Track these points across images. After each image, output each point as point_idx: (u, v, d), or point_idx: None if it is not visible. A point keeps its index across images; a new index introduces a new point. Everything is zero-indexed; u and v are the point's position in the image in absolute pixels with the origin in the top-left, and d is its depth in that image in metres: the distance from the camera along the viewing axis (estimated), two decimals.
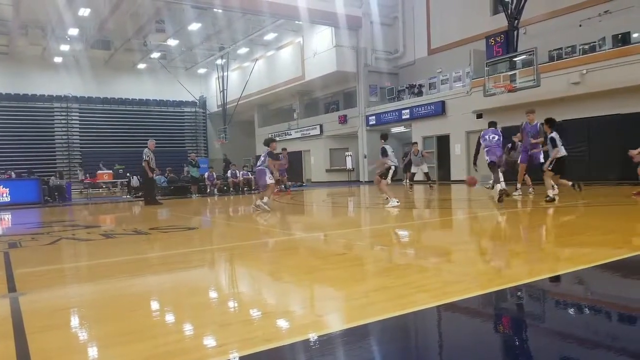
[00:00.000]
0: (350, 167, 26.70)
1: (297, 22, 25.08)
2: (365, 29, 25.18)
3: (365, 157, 25.73)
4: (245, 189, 20.64)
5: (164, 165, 21.67)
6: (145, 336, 2.47)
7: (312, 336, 2.31)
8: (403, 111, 23.36)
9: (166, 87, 33.03)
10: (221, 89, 32.43)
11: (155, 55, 29.88)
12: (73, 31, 24.45)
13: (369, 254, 5.00)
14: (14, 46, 26.50)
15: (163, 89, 33.17)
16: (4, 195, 15.94)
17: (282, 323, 2.61)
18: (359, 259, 4.75)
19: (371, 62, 25.43)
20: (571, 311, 2.88)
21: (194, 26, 25.24)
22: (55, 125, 30.39)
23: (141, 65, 31.86)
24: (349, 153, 26.69)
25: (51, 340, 2.49)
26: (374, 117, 25.00)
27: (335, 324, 2.59)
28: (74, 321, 2.91)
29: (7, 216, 12.39)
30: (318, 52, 26.01)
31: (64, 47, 26.81)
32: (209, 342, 2.37)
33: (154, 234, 7.05)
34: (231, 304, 3.20)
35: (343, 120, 26.68)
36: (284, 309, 2.99)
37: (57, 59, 28.44)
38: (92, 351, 2.33)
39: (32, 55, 27.59)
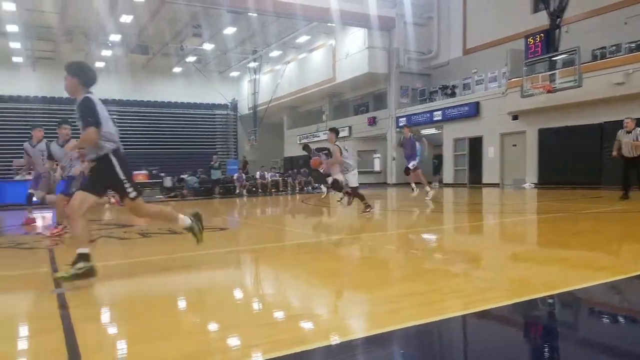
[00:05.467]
0: (378, 170, 26.52)
1: (329, 24, 25.16)
2: (399, 30, 25.01)
3: (394, 159, 25.53)
4: (274, 190, 20.87)
5: (195, 167, 22.19)
6: (177, 334, 2.55)
7: (338, 341, 2.31)
8: (435, 112, 23.07)
9: (199, 90, 33.70)
10: (252, 92, 32.83)
11: (191, 59, 30.53)
12: (115, 37, 25.28)
13: (396, 258, 4.97)
14: (59, 52, 27.60)
15: (196, 92, 33.85)
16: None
17: (309, 327, 2.63)
18: (386, 262, 4.72)
19: (403, 63, 25.23)
20: (611, 321, 2.78)
21: (229, 30, 25.66)
22: None
23: (177, 69, 32.62)
24: (377, 155, 26.54)
25: (96, 335, 2.62)
26: (404, 119, 24.79)
27: (363, 329, 2.58)
28: (116, 317, 3.03)
29: (50, 214, 12.90)
30: (350, 53, 26.00)
31: (106, 53, 27.76)
32: (237, 343, 2.41)
33: (187, 234, 7.20)
34: (258, 305, 3.25)
35: (372, 122, 26.56)
36: (311, 312, 3.00)
37: (99, 64, 29.42)
38: (133, 347, 2.41)
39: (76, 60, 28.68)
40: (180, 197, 19.30)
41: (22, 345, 2.54)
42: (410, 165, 11.67)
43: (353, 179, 8.95)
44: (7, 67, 27.57)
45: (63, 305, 3.11)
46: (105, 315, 3.08)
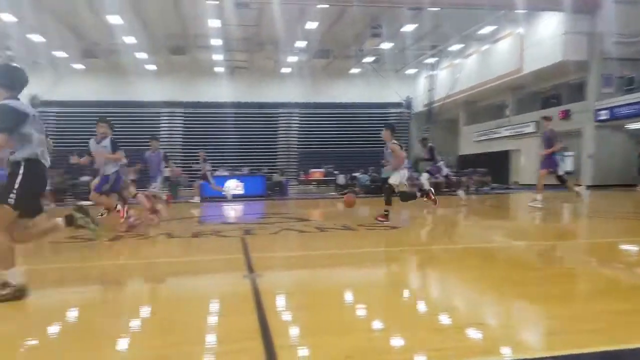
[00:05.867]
0: (571, 169, 23.44)
1: (518, 11, 23.17)
2: (603, 11, 21.68)
3: (590, 157, 22.34)
4: (446, 189, 20.26)
5: (367, 165, 22.76)
6: (347, 329, 2.69)
7: (511, 358, 2.13)
8: None
9: (375, 90, 34.40)
10: (429, 89, 32.23)
11: (368, 59, 31.37)
12: (300, 44, 27.46)
13: (593, 271, 4.34)
14: (252, 61, 31.21)
15: (372, 92, 34.63)
16: (239, 188, 18.99)
17: (480, 339, 2.49)
18: (582, 275, 4.17)
19: (607, 48, 21.80)
20: None
21: (408, 27, 25.56)
22: (279, 128, 34.69)
23: (354, 70, 33.91)
24: (570, 153, 23.50)
25: (285, 319, 2.94)
26: (606, 112, 21.44)
27: (547, 347, 2.33)
28: (297, 305, 3.32)
29: (241, 206, 14.69)
30: (541, 41, 23.56)
31: (292, 59, 30.35)
32: (401, 345, 2.43)
33: (360, 231, 7.47)
34: (425, 308, 3.21)
35: (564, 115, 23.61)
36: (484, 323, 2.84)
37: (285, 70, 32.34)
38: (312, 336, 2.63)
39: (266, 68, 32.03)
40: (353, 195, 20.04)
41: (221, 323, 2.96)
42: (561, 172, 9.87)
43: (395, 178, 8.21)
44: (210, 77, 32.23)
45: (255, 290, 3.52)
46: (289, 303, 3.40)
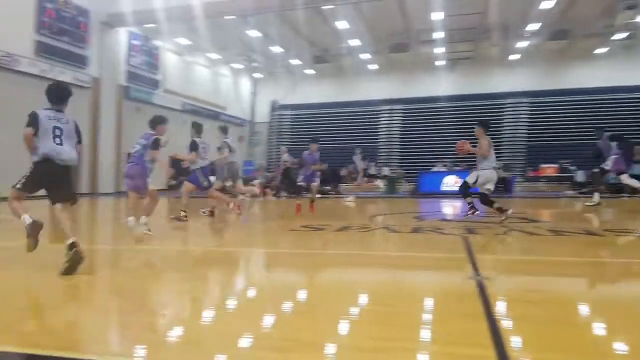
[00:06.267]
0: None
1: None
2: None
3: None
4: None
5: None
6: (594, 351, 2.28)
7: None
8: None
9: (626, 71, 28.79)
10: None
11: (620, 36, 26.44)
12: (533, 26, 24.88)
13: None
14: (475, 50, 29.56)
15: (622, 74, 29.07)
16: (458, 184, 18.31)
17: None
18: None
19: None
20: None
21: None
22: (505, 120, 31.99)
23: (599, 51, 29.07)
24: None
25: (518, 330, 2.60)
26: None
27: None
28: (534, 315, 2.88)
29: (460, 204, 14.01)
30: None
31: (521, 44, 27.72)
32: None
33: (607, 237, 6.25)
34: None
35: None
36: None
37: (513, 57, 29.73)
38: (553, 353, 2.25)
39: (491, 56, 29.97)
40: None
41: (446, 324, 2.73)
42: None
43: (471, 178, 7.45)
44: (429, 71, 31.62)
45: (481, 293, 3.19)
46: (521, 312, 2.99)
